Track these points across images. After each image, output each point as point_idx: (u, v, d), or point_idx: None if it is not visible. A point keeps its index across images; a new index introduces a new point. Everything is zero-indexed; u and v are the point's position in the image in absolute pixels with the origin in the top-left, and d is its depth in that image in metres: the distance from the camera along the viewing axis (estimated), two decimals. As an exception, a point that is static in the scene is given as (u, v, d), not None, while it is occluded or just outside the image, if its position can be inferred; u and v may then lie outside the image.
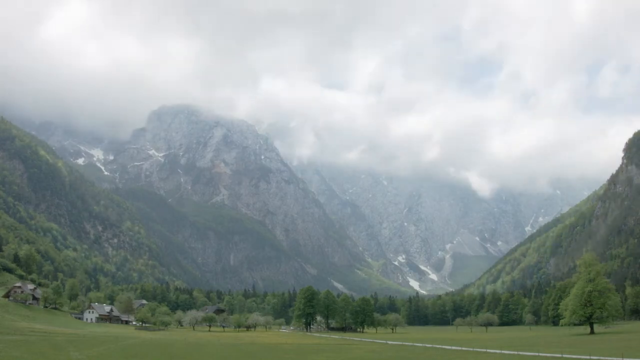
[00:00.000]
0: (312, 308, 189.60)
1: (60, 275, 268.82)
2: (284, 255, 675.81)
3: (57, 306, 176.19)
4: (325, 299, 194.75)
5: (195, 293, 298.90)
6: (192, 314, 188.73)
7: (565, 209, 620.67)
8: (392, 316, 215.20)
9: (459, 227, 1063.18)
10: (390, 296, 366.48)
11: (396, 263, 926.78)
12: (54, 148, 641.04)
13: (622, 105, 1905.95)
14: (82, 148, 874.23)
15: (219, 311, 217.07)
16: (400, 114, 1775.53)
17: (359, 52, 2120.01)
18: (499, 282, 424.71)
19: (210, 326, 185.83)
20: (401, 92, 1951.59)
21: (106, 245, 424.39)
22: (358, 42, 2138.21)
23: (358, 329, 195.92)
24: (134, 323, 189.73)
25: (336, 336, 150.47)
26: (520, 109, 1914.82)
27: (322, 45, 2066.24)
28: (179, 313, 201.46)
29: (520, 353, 73.58)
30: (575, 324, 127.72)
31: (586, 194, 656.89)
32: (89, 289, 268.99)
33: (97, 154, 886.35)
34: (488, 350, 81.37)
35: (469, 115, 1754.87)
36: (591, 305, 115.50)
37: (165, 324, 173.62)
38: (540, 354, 70.27)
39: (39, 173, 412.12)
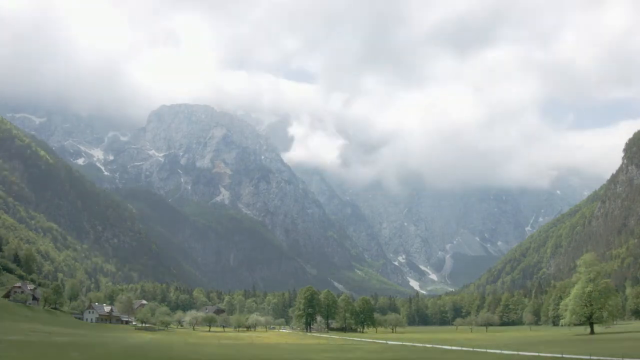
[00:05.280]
0: (313, 308, 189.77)
1: (60, 275, 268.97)
2: (284, 256, 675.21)
3: (57, 306, 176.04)
4: (326, 299, 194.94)
5: (195, 293, 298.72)
6: (192, 314, 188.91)
7: (565, 209, 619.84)
8: (392, 316, 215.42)
9: (459, 227, 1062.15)
10: (390, 296, 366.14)
11: (396, 263, 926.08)
12: (54, 148, 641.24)
13: (622, 104, 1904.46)
14: (82, 148, 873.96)
15: (219, 311, 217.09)
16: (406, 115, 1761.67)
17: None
18: (499, 282, 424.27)
19: (210, 326, 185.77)
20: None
21: (106, 245, 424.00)
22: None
23: (358, 329, 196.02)
24: (134, 323, 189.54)
25: (336, 336, 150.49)
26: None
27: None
28: (179, 313, 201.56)
29: (520, 353, 73.60)
30: (575, 324, 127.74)
31: (586, 194, 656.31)
32: (89, 289, 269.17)
33: (97, 154, 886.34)
34: (488, 350, 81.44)
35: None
36: (591, 305, 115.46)
37: (166, 324, 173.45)
38: (541, 354, 70.31)
39: (39, 173, 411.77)
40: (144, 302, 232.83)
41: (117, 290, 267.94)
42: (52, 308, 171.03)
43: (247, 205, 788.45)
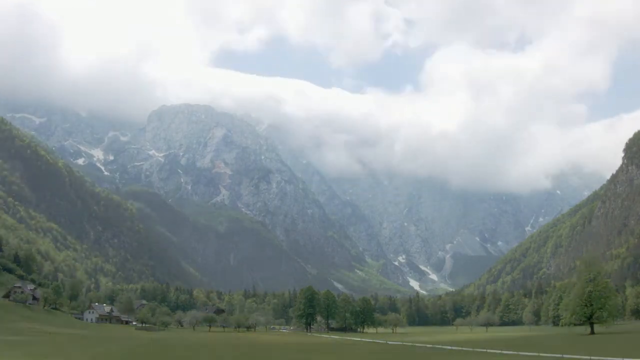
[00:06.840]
0: (313, 308, 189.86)
1: (61, 275, 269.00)
2: (284, 256, 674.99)
3: (57, 306, 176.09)
4: (326, 299, 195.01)
5: (195, 293, 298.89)
6: (192, 314, 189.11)
7: (565, 209, 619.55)
8: (392, 316, 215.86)
9: (459, 227, 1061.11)
10: (390, 296, 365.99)
11: (396, 263, 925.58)
12: (54, 148, 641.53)
13: (622, 104, 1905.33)
14: (82, 148, 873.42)
15: (219, 311, 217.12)
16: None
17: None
18: (499, 282, 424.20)
19: (210, 326, 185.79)
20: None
21: (106, 245, 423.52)
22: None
23: (358, 329, 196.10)
24: (134, 323, 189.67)
25: (336, 336, 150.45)
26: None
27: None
28: (179, 313, 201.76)
29: (520, 353, 73.54)
30: (575, 324, 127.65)
31: (586, 194, 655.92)
32: (89, 289, 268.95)
33: (97, 154, 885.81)
34: (488, 351, 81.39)
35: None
36: (591, 305, 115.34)
37: (166, 324, 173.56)
38: (541, 354, 70.26)
39: (39, 173, 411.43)
40: (144, 302, 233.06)
41: (117, 290, 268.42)
42: (52, 308, 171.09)
43: (247, 205, 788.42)
